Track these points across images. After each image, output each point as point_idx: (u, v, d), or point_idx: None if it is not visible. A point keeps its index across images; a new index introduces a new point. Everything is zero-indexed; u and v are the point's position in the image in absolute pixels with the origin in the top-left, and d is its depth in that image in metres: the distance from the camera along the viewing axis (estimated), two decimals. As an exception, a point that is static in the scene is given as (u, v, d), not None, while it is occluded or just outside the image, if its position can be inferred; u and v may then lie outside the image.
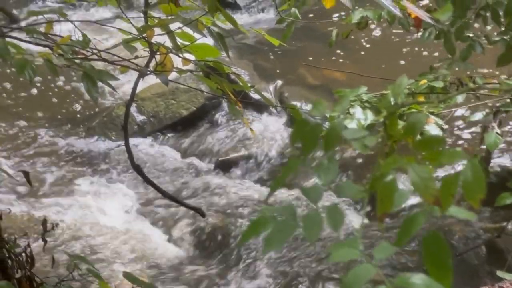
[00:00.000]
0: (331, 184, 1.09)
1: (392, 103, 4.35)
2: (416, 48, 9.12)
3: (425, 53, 8.94)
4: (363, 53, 9.26)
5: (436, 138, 1.08)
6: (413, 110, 3.81)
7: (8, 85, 8.79)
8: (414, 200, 5.57)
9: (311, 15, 9.60)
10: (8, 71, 8.77)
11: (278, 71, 8.98)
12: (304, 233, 1.02)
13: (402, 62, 8.99)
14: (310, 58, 9.08)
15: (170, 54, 3.11)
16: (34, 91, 8.73)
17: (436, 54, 8.39)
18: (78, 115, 8.49)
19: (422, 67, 5.20)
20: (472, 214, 1.08)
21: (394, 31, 9.27)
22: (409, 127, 1.12)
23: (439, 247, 1.00)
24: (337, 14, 9.41)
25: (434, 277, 0.98)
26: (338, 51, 9.03)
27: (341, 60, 8.98)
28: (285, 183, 7.26)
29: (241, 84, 3.37)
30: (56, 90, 8.79)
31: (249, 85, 3.43)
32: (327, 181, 1.08)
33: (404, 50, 9.22)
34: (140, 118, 8.14)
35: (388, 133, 1.22)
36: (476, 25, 4.75)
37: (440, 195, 1.05)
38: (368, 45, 9.37)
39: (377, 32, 9.50)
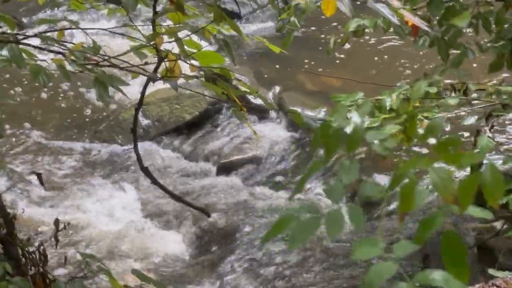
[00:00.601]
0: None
1: (388, 108, 4.33)
2: (410, 56, 9.12)
3: (418, 60, 8.94)
4: (359, 60, 9.27)
5: (454, 139, 1.08)
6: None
7: (19, 90, 8.79)
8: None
9: (310, 24, 9.60)
10: (17, 76, 8.78)
11: (277, 77, 8.98)
12: (326, 230, 1.01)
13: (396, 69, 9.00)
14: (309, 65, 9.09)
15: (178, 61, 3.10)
16: (43, 96, 8.73)
17: (429, 61, 8.40)
18: (86, 119, 8.49)
19: (415, 74, 5.21)
20: (489, 213, 1.08)
21: (388, 40, 9.29)
22: (429, 129, 1.12)
23: (457, 246, 1.00)
24: (335, 23, 9.44)
25: (452, 273, 0.98)
26: (335, 58, 9.03)
27: (338, 67, 8.99)
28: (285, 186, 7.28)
29: (242, 89, 3.36)
30: (64, 95, 8.79)
31: (249, 90, 3.42)
32: (349, 181, 1.07)
33: (398, 57, 9.23)
34: (145, 122, 8.13)
35: (408, 135, 1.22)
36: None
37: (459, 195, 1.05)
38: (364, 53, 9.37)
39: (373, 40, 9.51)
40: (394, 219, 6.06)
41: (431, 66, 5.01)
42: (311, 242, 6.18)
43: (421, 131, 4.21)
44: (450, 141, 1.09)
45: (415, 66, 8.77)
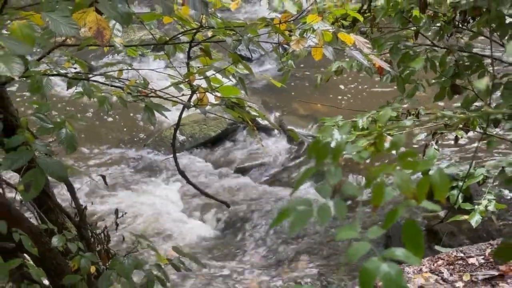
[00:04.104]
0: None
1: (360, 127, 4.30)
2: (375, 89, 9.12)
3: (382, 92, 8.93)
4: (339, 92, 9.26)
5: (411, 152, 1.08)
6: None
7: (89, 115, 8.82)
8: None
9: (303, 66, 9.61)
10: (88, 105, 8.80)
11: (278, 105, 8.99)
12: (318, 219, 1.01)
13: (366, 98, 8.99)
14: (301, 96, 9.09)
15: (206, 93, 3.10)
16: (106, 120, 8.75)
17: (390, 92, 8.39)
18: (137, 136, 8.50)
19: (380, 101, 5.20)
20: (437, 206, 1.08)
21: (360, 78, 9.29)
22: (393, 144, 1.12)
23: (414, 231, 1.00)
24: (321, 66, 9.41)
25: (411, 251, 0.98)
26: (321, 91, 9.02)
27: (323, 97, 8.99)
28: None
29: (253, 114, 3.35)
30: (121, 118, 8.80)
31: (259, 114, 3.41)
32: (335, 182, 1.07)
33: (367, 90, 9.22)
34: (181, 138, 8.15)
35: (378, 148, 1.21)
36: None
37: (416, 192, 1.05)
38: (342, 87, 9.37)
39: (349, 78, 9.50)
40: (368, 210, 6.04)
41: (392, 96, 5.02)
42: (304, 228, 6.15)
43: (386, 145, 4.20)
44: (409, 153, 1.09)
45: (380, 96, 8.75)
